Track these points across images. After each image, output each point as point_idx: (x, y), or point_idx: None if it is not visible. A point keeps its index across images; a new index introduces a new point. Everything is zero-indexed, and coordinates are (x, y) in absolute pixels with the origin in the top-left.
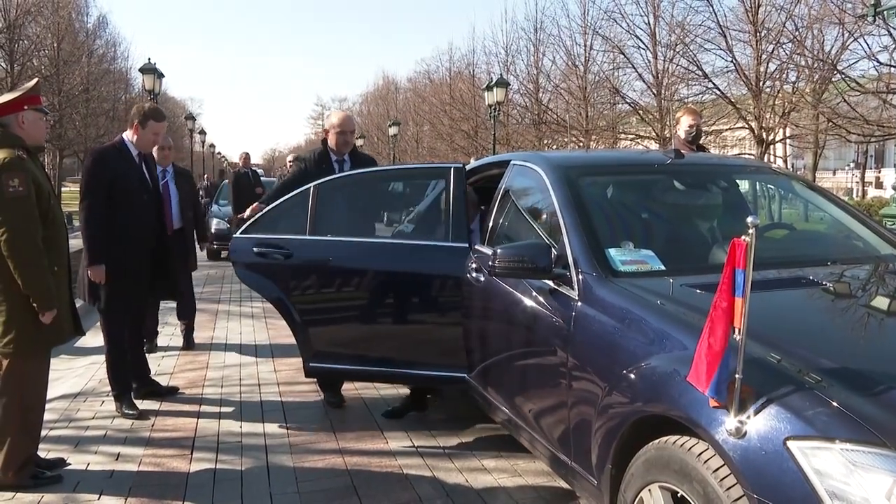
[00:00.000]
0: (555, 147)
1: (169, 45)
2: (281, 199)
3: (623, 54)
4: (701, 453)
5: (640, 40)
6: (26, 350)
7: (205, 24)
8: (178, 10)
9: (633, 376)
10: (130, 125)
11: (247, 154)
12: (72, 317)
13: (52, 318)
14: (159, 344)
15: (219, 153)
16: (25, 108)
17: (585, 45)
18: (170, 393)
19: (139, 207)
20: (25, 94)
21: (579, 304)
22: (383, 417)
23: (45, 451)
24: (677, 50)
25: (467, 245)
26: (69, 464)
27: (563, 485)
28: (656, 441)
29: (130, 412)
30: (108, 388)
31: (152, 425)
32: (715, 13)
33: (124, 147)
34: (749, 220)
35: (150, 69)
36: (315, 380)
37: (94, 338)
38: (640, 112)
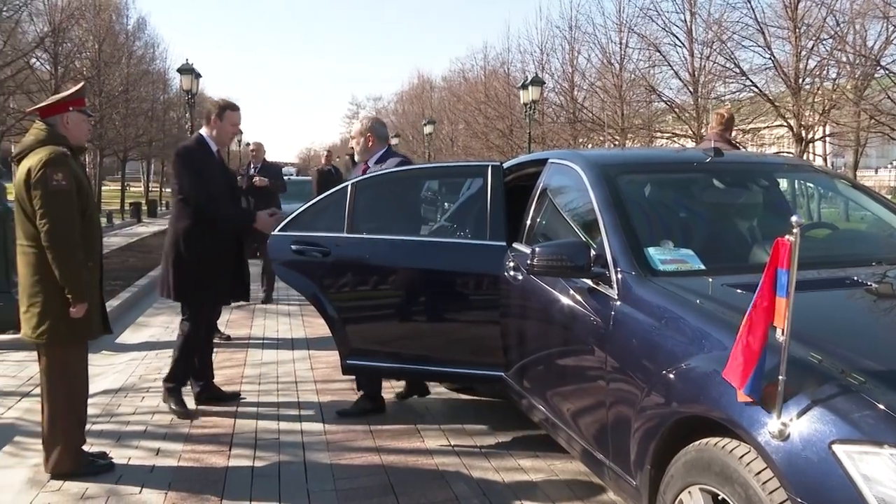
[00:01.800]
0: (590, 145)
1: (205, 46)
2: (318, 198)
3: (659, 52)
4: (743, 455)
5: (677, 38)
6: (59, 340)
7: (240, 25)
8: (215, 12)
9: (672, 376)
10: (206, 122)
11: (329, 152)
12: (101, 314)
13: (82, 311)
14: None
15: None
16: (70, 109)
17: (621, 43)
18: (232, 398)
19: (227, 206)
20: (71, 96)
21: (618, 303)
22: (340, 417)
23: (89, 445)
24: (714, 47)
25: (505, 243)
26: (111, 457)
27: (601, 485)
28: (697, 442)
29: (178, 408)
30: (148, 385)
31: (191, 422)
32: (753, 9)
33: (205, 144)
34: (793, 219)
35: (187, 69)
36: (352, 377)
37: (134, 334)
38: (677, 110)
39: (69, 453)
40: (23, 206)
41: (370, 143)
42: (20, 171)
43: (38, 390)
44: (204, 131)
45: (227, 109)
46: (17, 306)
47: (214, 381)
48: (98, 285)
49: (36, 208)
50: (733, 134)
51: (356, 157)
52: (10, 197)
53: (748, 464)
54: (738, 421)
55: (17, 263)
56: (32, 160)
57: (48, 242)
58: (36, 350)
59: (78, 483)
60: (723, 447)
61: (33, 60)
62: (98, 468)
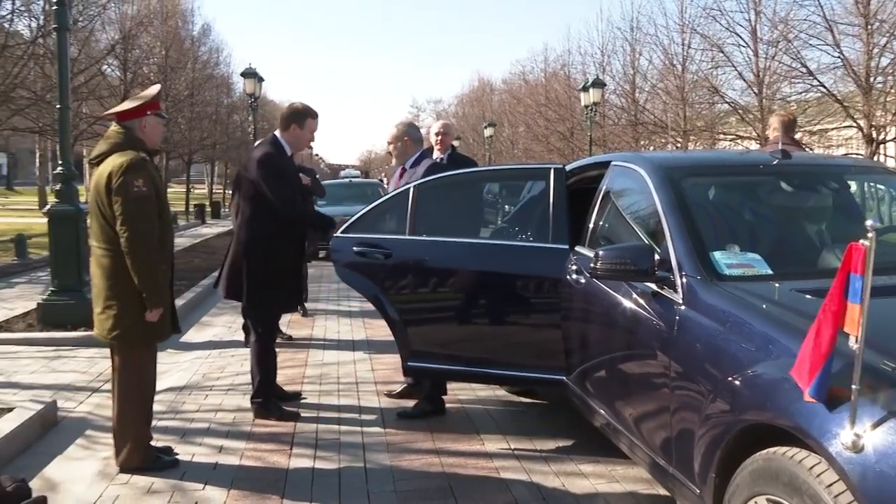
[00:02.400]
0: (652, 148)
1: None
2: (380, 200)
3: (722, 52)
4: (813, 466)
5: (741, 38)
6: (132, 342)
7: (302, 29)
8: (278, 17)
9: (738, 383)
10: (283, 126)
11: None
12: (171, 315)
13: (157, 316)
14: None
15: (316, 154)
16: (148, 113)
17: (683, 44)
18: (294, 398)
19: (308, 209)
20: (149, 100)
21: (683, 307)
22: (400, 419)
23: (154, 441)
24: (780, 47)
25: (567, 246)
26: (177, 453)
27: (663, 492)
28: (764, 451)
29: (278, 416)
30: (211, 384)
31: (253, 420)
32: (821, 7)
33: (281, 148)
34: (868, 223)
35: (251, 73)
36: (412, 379)
37: (198, 333)
38: (740, 112)
39: (138, 449)
40: (101, 209)
41: (407, 147)
42: (99, 175)
43: (108, 386)
44: (279, 134)
45: (309, 117)
46: (90, 305)
47: (276, 380)
48: (170, 286)
49: (116, 214)
50: (798, 136)
51: (394, 161)
52: (82, 198)
53: (819, 475)
54: (808, 430)
55: (90, 264)
56: (112, 164)
57: (128, 248)
58: (109, 348)
59: (145, 477)
60: (791, 457)
61: (105, 67)
62: (164, 464)
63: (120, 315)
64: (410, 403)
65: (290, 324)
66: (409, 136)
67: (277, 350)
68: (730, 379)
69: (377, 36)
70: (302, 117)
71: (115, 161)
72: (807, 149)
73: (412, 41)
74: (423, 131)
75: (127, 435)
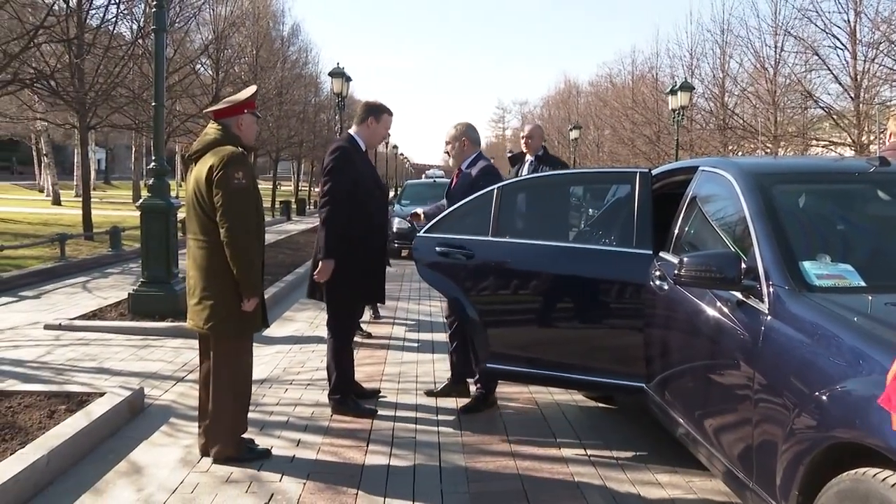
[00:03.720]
0: (740, 153)
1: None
2: (464, 201)
3: (817, 55)
4: None
5: (838, 39)
6: (227, 333)
7: (389, 29)
8: (365, 18)
9: (826, 398)
10: (359, 121)
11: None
12: (263, 308)
13: (254, 306)
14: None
15: (401, 154)
16: (245, 111)
17: (776, 47)
18: (372, 395)
19: (375, 206)
20: (247, 99)
21: (769, 318)
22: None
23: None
24: (881, 49)
25: (652, 252)
26: (257, 445)
27: None
28: (853, 471)
29: (357, 412)
30: (291, 378)
31: (331, 416)
32: None
33: (357, 144)
34: None
35: (338, 73)
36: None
37: (280, 328)
38: (835, 117)
39: (233, 440)
40: (200, 203)
41: (465, 148)
42: (199, 169)
43: (192, 376)
44: (354, 130)
45: (384, 113)
46: (178, 297)
47: (355, 377)
48: (262, 281)
49: (217, 206)
50: None
51: (451, 161)
52: (173, 193)
53: None
54: None
55: (186, 257)
56: (213, 159)
57: (228, 239)
58: (199, 340)
59: (224, 466)
60: (883, 479)
61: (198, 66)
62: (257, 454)
63: (216, 306)
64: (450, 403)
65: (370, 321)
66: (467, 136)
67: (356, 348)
68: (817, 394)
69: (462, 36)
70: (378, 112)
71: (215, 155)
72: None
73: (497, 41)
74: (508, 132)
75: (222, 425)
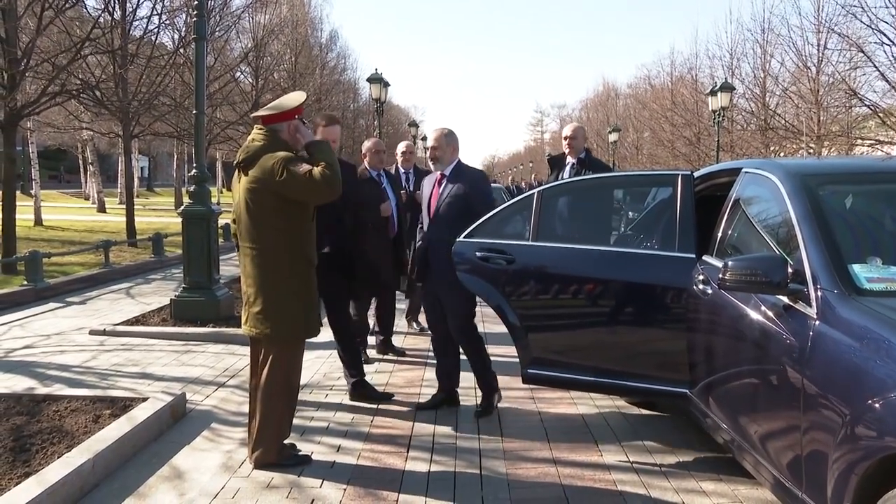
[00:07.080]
0: (783, 154)
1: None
2: (504, 205)
3: (862, 52)
4: None
5: (885, 35)
6: (284, 338)
7: (426, 34)
8: (403, 23)
9: (879, 406)
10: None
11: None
12: (316, 314)
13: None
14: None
15: None
16: (295, 118)
17: (818, 45)
18: (383, 399)
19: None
20: (298, 105)
21: (817, 323)
22: (418, 410)
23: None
24: None
25: (694, 255)
26: (299, 450)
27: None
28: None
29: (375, 396)
30: (332, 383)
31: (371, 422)
32: None
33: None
34: None
35: (376, 79)
36: (531, 387)
37: (321, 334)
38: (881, 115)
39: (276, 445)
40: (250, 210)
41: (453, 152)
42: (251, 176)
43: (233, 381)
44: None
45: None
46: (220, 303)
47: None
48: (315, 286)
49: (296, 193)
50: None
51: (435, 166)
52: (214, 200)
53: None
54: None
55: (241, 264)
56: (269, 162)
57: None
58: (250, 345)
59: (264, 472)
60: None
61: (238, 74)
62: (298, 459)
63: (274, 312)
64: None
65: (405, 338)
66: (454, 142)
67: (394, 364)
68: (869, 402)
69: (499, 40)
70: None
71: (270, 159)
72: None
73: (534, 45)
74: (546, 136)
75: (268, 432)
